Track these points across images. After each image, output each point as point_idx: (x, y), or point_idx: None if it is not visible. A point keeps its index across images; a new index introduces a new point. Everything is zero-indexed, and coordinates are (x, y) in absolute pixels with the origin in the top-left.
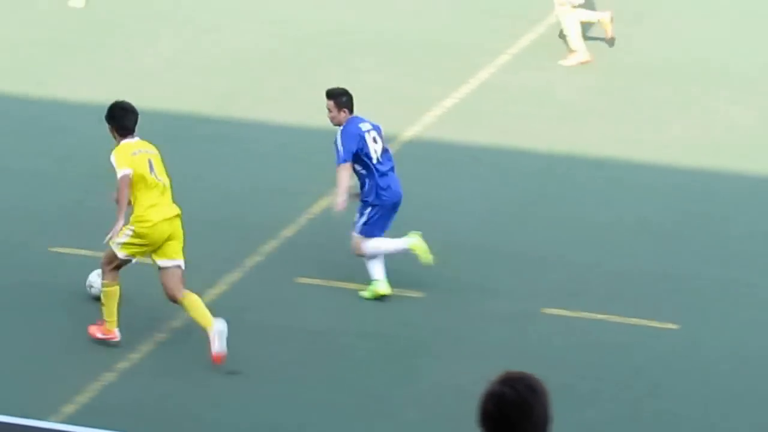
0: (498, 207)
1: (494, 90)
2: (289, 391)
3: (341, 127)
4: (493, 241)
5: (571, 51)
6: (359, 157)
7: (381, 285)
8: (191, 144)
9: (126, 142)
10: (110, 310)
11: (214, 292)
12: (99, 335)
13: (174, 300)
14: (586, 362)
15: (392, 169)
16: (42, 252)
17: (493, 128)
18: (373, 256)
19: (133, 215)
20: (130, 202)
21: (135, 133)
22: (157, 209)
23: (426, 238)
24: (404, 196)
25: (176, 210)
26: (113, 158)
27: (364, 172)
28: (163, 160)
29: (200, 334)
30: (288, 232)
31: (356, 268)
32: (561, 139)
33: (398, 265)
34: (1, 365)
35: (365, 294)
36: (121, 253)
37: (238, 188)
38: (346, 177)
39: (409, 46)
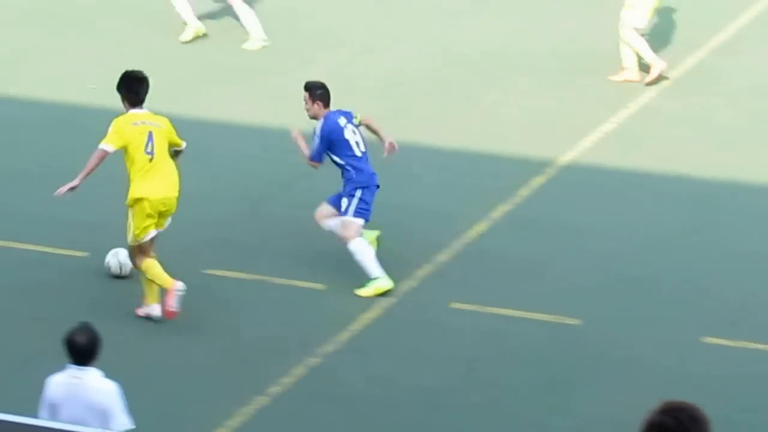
0: (657, 234)
1: (654, 114)
2: (446, 418)
3: (322, 122)
4: (652, 268)
5: (650, 67)
6: (336, 152)
7: (382, 282)
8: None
9: (132, 112)
10: (159, 276)
11: (368, 316)
12: (171, 302)
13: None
14: (746, 393)
15: (367, 159)
16: (196, 274)
17: (652, 153)
18: (356, 253)
19: (128, 195)
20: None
21: (144, 104)
22: (148, 186)
23: (582, 264)
24: (560, 222)
25: (171, 192)
26: (111, 124)
27: (342, 163)
28: (173, 134)
29: (356, 358)
30: (443, 256)
31: (511, 295)
32: (721, 165)
33: (555, 292)
34: (153, 387)
35: (362, 292)
36: (139, 241)
37: (392, 212)
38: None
39: (568, 68)
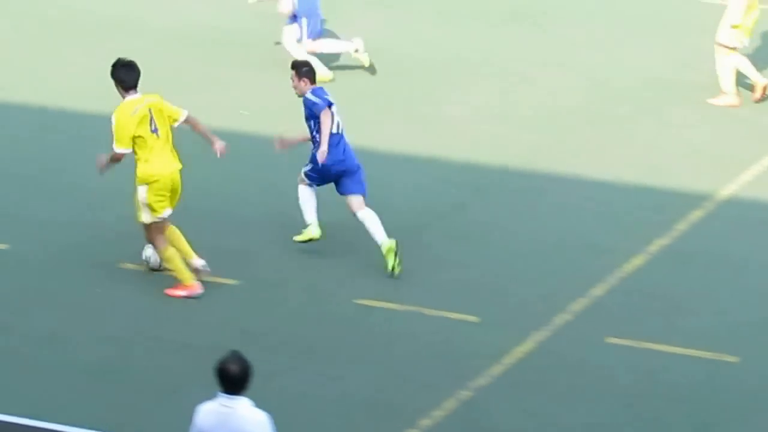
0: None
1: None
2: None
3: (312, 92)
4: None
5: (722, 92)
6: (315, 124)
7: (313, 229)
8: (499, 197)
9: (129, 100)
10: (179, 269)
11: (521, 350)
12: (182, 293)
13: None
14: None
15: (344, 143)
16: (348, 304)
17: None
18: (301, 201)
19: (138, 174)
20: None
21: (138, 88)
22: (159, 162)
23: (741, 300)
24: (719, 257)
25: (177, 165)
26: (113, 121)
27: (313, 136)
28: (169, 107)
29: (509, 392)
30: (598, 290)
31: (669, 330)
32: None
33: (714, 328)
34: (303, 417)
35: (298, 237)
36: (154, 218)
37: (546, 243)
38: (328, 123)
39: None
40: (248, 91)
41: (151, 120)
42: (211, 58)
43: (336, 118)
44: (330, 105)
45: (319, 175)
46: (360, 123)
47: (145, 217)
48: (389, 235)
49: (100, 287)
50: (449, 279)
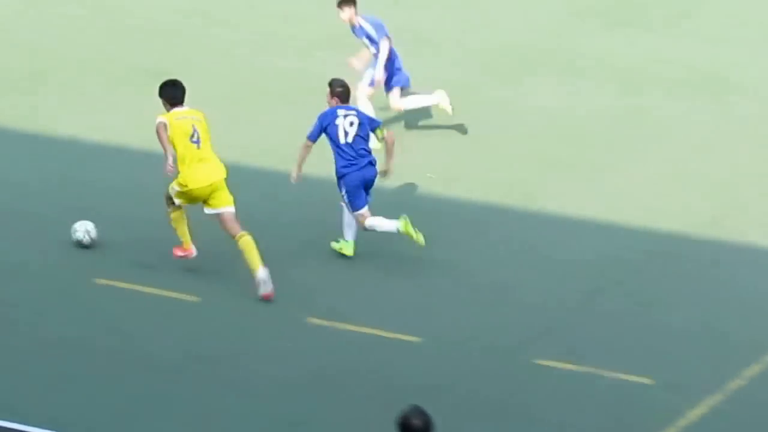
0: None
1: None
2: None
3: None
4: None
5: None
6: (328, 136)
7: (348, 247)
8: (676, 263)
9: (174, 110)
10: (182, 231)
11: (695, 413)
12: (180, 253)
13: (233, 237)
14: None
15: (363, 156)
16: (527, 364)
17: None
18: (375, 228)
19: (179, 175)
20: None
21: (184, 104)
22: (193, 176)
23: None
24: None
25: (215, 177)
26: (165, 121)
27: (331, 147)
28: (207, 127)
29: None
30: None
31: None
32: None
33: None
34: None
35: (335, 245)
36: (176, 200)
37: (721, 309)
38: (303, 153)
39: None
40: (434, 155)
41: (194, 131)
42: (403, 122)
43: (349, 128)
44: (317, 136)
45: (352, 189)
46: (538, 187)
47: (171, 191)
48: (574, 294)
49: (289, 341)
50: (625, 341)
